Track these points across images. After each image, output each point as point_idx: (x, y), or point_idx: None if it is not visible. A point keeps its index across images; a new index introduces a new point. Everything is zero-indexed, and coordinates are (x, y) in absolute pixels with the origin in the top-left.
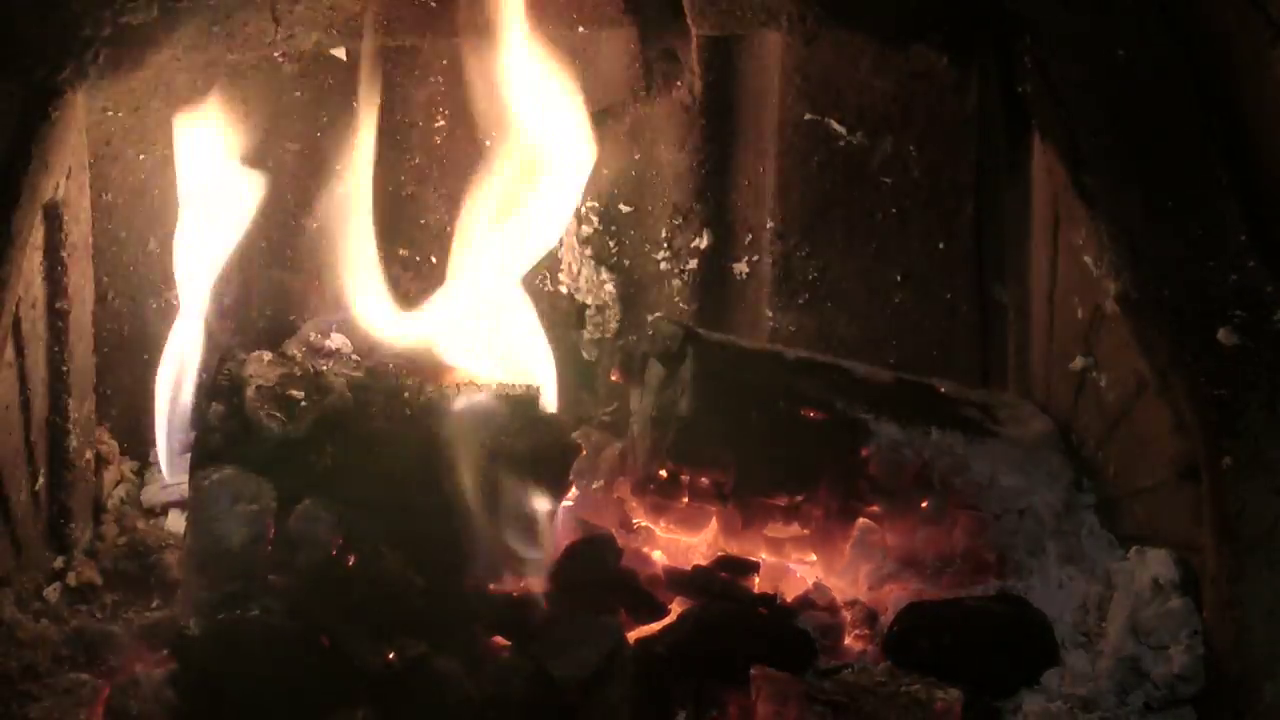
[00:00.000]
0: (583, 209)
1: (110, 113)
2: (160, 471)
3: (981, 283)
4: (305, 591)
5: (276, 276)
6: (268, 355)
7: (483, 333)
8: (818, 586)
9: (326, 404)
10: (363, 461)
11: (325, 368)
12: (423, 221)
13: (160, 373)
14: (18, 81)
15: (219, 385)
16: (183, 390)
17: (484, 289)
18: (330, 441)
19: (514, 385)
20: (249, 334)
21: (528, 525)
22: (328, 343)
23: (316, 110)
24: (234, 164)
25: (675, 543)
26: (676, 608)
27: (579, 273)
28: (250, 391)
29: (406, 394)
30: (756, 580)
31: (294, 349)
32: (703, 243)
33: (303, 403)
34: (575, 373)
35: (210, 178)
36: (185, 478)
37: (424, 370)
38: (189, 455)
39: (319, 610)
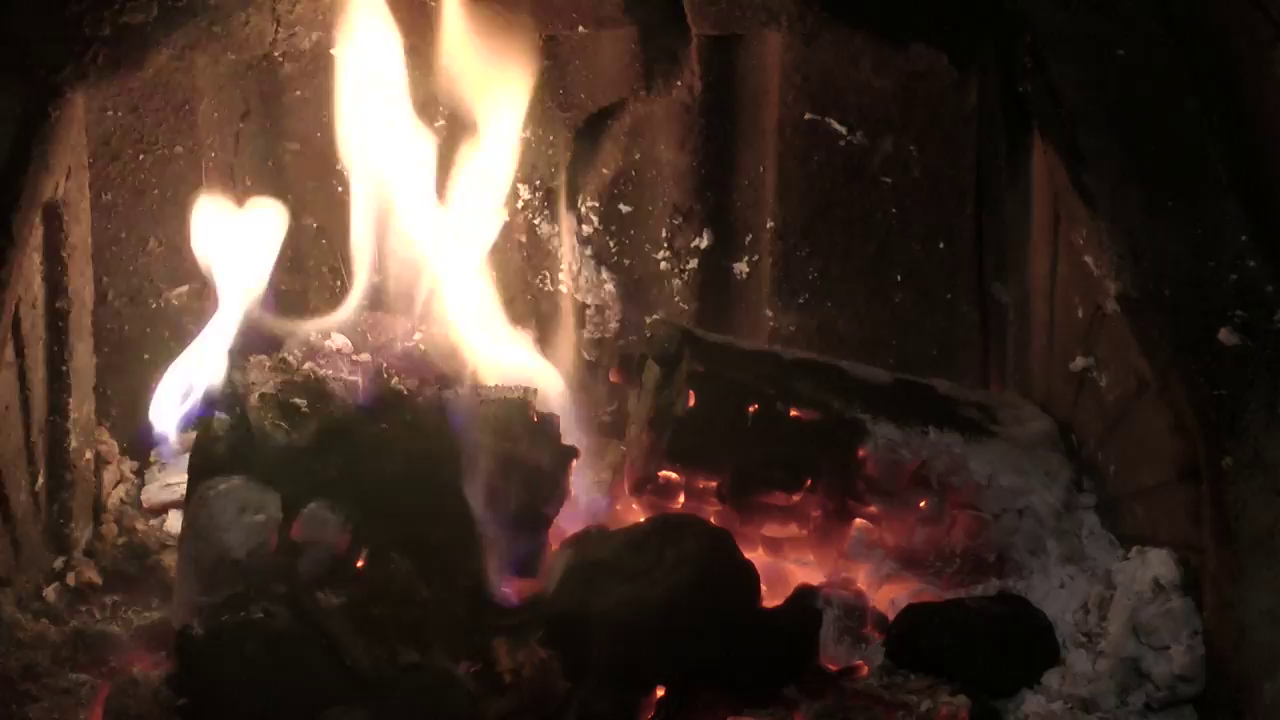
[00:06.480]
0: (583, 209)
1: (110, 113)
2: (160, 472)
3: (981, 283)
4: (307, 594)
5: (277, 276)
6: (267, 361)
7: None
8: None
9: (329, 411)
10: (366, 468)
11: (325, 373)
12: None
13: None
14: (18, 81)
15: (221, 393)
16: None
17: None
18: (334, 449)
19: (510, 388)
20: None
21: (528, 529)
22: (328, 343)
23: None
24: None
25: None
26: None
27: (579, 273)
28: (253, 400)
29: (405, 399)
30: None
31: (294, 350)
32: (703, 243)
33: (305, 410)
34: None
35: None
36: (183, 476)
37: (420, 373)
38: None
39: (320, 613)
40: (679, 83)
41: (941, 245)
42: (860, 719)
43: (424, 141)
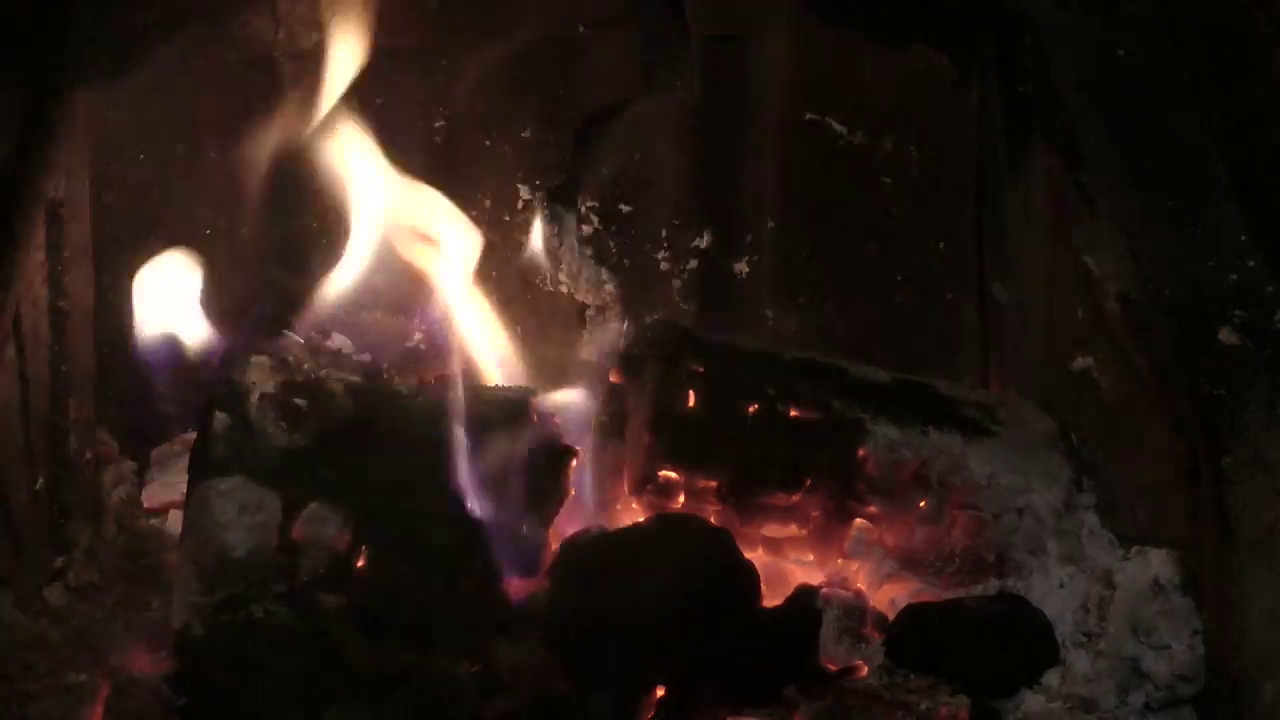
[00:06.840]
0: (583, 209)
1: (110, 113)
2: (160, 472)
3: (981, 283)
4: (307, 594)
5: (276, 276)
6: (268, 360)
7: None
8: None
9: (329, 411)
10: (366, 468)
11: (324, 372)
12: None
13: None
14: (18, 81)
15: (221, 392)
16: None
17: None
18: (334, 449)
19: (508, 387)
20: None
21: (527, 529)
22: (328, 343)
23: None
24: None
25: None
26: None
27: (579, 273)
28: (254, 399)
29: (404, 399)
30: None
31: (293, 350)
32: (703, 243)
33: (305, 410)
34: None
35: None
36: (183, 476)
37: (419, 371)
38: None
39: (320, 613)
40: (679, 83)
41: (941, 245)
42: (860, 719)
43: None
